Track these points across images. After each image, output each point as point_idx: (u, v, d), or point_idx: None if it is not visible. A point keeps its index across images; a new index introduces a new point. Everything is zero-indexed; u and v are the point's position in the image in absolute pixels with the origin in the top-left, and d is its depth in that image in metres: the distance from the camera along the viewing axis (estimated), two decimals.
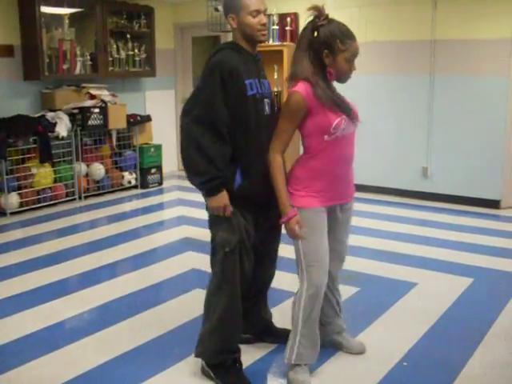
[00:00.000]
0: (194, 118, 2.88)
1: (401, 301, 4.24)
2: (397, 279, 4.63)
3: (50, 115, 6.97)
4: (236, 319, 3.13)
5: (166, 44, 8.99)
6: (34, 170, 6.81)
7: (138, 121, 8.05)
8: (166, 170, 8.68)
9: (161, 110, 8.92)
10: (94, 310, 4.16)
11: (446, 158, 7.07)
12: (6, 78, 7.00)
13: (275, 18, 7.65)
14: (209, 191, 2.94)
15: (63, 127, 6.96)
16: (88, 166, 7.48)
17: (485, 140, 6.79)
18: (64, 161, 7.23)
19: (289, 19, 7.71)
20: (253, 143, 2.99)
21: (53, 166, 7.04)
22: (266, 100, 3.05)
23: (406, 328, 3.80)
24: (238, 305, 3.10)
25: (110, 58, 7.81)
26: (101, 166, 7.57)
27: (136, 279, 4.75)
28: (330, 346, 3.46)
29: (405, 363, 3.35)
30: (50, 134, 6.82)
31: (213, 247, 3.11)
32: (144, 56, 8.29)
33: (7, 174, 6.58)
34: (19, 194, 6.72)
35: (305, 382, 3.08)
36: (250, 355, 3.39)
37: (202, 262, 4.90)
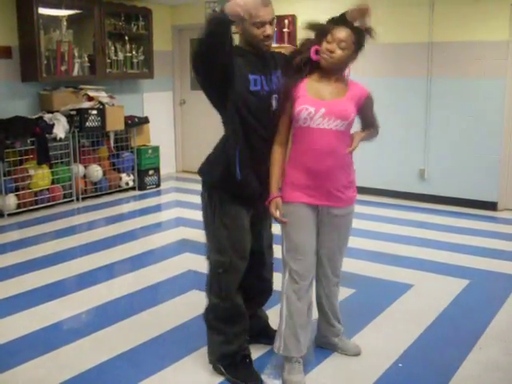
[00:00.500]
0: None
1: (397, 302, 4.25)
2: (393, 281, 4.64)
3: (47, 117, 6.97)
4: (241, 323, 3.20)
5: (163, 46, 8.99)
6: (31, 172, 6.81)
7: (136, 122, 8.05)
8: (163, 171, 8.67)
9: (159, 111, 8.93)
10: (90, 311, 4.16)
11: (444, 160, 7.09)
12: (3, 79, 7.00)
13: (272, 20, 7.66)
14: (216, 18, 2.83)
15: (61, 129, 6.96)
16: (86, 167, 7.48)
17: (482, 142, 6.80)
18: (62, 162, 7.24)
19: (286, 21, 7.73)
20: (253, 137, 3.00)
21: (50, 168, 7.04)
22: (274, 96, 3.05)
23: (401, 329, 3.81)
24: (239, 311, 3.18)
25: (108, 60, 7.80)
26: (98, 168, 7.57)
27: (133, 280, 4.75)
28: (325, 347, 3.47)
29: (400, 364, 3.36)
30: (47, 135, 6.82)
31: (208, 264, 3.22)
32: (142, 58, 8.29)
33: (5, 176, 6.58)
34: (17, 195, 6.72)
35: (299, 382, 3.09)
36: None
37: (198, 263, 4.90)
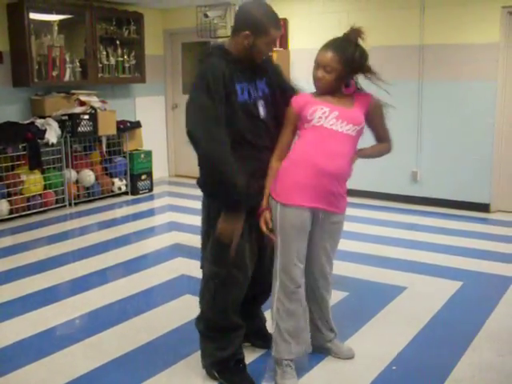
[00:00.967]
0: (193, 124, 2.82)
1: (390, 305, 4.25)
2: (386, 283, 4.64)
3: (39, 122, 6.96)
4: (236, 332, 3.17)
5: (155, 50, 8.99)
6: (23, 177, 6.79)
7: (128, 127, 8.04)
8: (156, 176, 8.66)
9: (151, 116, 8.92)
10: (83, 317, 4.15)
11: (436, 162, 7.11)
12: None
13: None
14: (233, 206, 2.85)
15: (53, 134, 6.94)
16: (78, 172, 7.46)
17: (474, 144, 6.82)
18: (54, 167, 7.22)
19: (277, 15, 7.72)
20: (245, 147, 2.95)
21: (42, 173, 7.02)
22: (260, 102, 3.00)
23: (395, 332, 3.81)
24: (235, 325, 3.15)
25: (100, 65, 7.80)
26: (91, 173, 7.56)
27: (126, 285, 4.74)
28: (318, 351, 3.46)
29: (394, 367, 3.36)
30: (39, 140, 6.80)
31: (203, 275, 3.16)
32: (134, 62, 8.28)
33: None
34: (9, 201, 6.69)
35: None
36: None
37: (192, 267, 4.91)
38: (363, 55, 3.05)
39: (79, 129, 7.23)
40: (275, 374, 3.17)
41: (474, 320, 3.98)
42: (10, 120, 6.85)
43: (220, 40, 7.83)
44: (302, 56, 7.83)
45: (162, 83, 9.23)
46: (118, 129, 7.81)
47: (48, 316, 4.13)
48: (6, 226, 6.53)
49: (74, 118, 7.17)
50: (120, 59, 8.11)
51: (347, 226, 3.38)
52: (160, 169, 9.05)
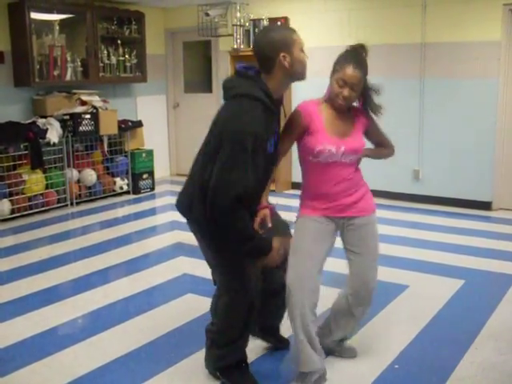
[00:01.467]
0: (234, 199, 2.68)
1: (392, 303, 4.25)
2: (388, 282, 4.62)
3: (41, 121, 6.96)
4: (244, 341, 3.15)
5: (156, 49, 8.99)
6: (25, 177, 6.79)
7: (130, 126, 8.04)
8: (157, 175, 8.67)
9: (152, 115, 8.92)
10: (85, 316, 4.15)
11: (438, 161, 7.10)
12: None
13: (265, 23, 7.68)
14: (264, 247, 2.87)
15: (54, 133, 6.95)
16: (79, 171, 7.46)
17: (476, 142, 6.82)
18: (55, 167, 7.22)
19: (279, 23, 7.71)
20: (256, 186, 2.89)
21: (44, 173, 7.03)
22: (272, 140, 2.91)
23: (397, 331, 3.81)
24: (247, 332, 3.14)
25: (101, 64, 7.79)
26: (92, 172, 7.56)
27: (128, 285, 4.74)
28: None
29: (396, 366, 3.36)
30: (41, 140, 6.81)
31: (216, 289, 3.14)
32: (135, 61, 8.28)
33: None
34: (11, 200, 6.70)
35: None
36: None
37: (194, 266, 4.92)
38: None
39: (81, 128, 7.23)
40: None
41: (477, 318, 3.97)
42: (11, 120, 6.85)
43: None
44: None
45: (163, 82, 9.22)
46: (120, 128, 7.81)
47: (50, 316, 4.13)
48: (8, 225, 6.54)
49: (76, 118, 7.17)
50: (121, 58, 8.11)
51: None
52: (161, 168, 9.05)
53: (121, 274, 5.03)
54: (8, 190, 6.69)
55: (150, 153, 8.37)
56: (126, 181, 8.07)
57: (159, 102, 9.21)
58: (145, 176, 8.27)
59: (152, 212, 7.45)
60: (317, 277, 3.04)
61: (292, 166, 7.91)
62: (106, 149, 7.79)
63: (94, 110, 7.42)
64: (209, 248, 3.04)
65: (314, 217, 3.06)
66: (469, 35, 6.70)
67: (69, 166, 7.26)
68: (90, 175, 7.53)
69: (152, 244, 5.90)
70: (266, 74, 2.83)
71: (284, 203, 6.06)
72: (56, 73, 7.25)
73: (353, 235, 3.14)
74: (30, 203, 6.90)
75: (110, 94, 8.12)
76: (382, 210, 6.91)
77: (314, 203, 3.08)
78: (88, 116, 7.31)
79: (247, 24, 7.95)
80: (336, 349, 3.44)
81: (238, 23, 7.92)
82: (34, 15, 6.97)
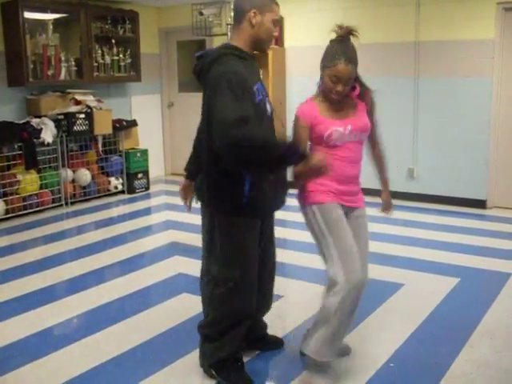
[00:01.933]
0: (234, 124, 2.64)
1: (387, 302, 4.25)
2: (383, 280, 4.64)
3: (35, 121, 6.94)
4: (238, 332, 3.13)
5: (151, 48, 8.98)
6: (19, 177, 6.77)
7: (124, 126, 8.03)
8: (152, 174, 8.66)
9: (147, 114, 8.90)
10: (80, 316, 4.14)
11: (432, 159, 7.12)
12: None
13: None
14: (296, 156, 2.79)
15: (49, 133, 6.93)
16: (74, 171, 7.45)
17: (470, 140, 6.83)
18: (50, 167, 7.21)
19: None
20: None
21: (38, 173, 7.01)
22: (267, 98, 3.02)
23: (392, 329, 3.81)
24: (245, 325, 3.13)
25: (95, 64, 7.78)
26: (87, 172, 7.55)
27: (123, 285, 4.73)
28: None
29: (391, 364, 3.36)
30: (35, 140, 6.79)
31: (208, 281, 3.10)
32: (129, 61, 8.26)
33: None
34: (5, 200, 6.68)
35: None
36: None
37: (189, 266, 4.92)
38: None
39: (75, 128, 7.21)
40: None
41: (472, 316, 3.98)
42: (5, 120, 6.82)
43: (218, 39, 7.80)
44: (297, 53, 7.84)
45: (157, 82, 9.21)
46: (114, 128, 7.79)
47: (45, 316, 4.12)
48: (2, 225, 6.52)
49: (70, 117, 7.15)
50: (115, 58, 8.10)
51: None
52: (156, 167, 9.04)
53: (116, 274, 5.02)
54: (2, 190, 6.68)
55: (144, 152, 8.36)
56: (120, 180, 8.06)
57: (154, 102, 9.19)
58: (139, 175, 8.26)
59: (147, 211, 7.44)
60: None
61: None
62: (100, 148, 7.77)
63: (89, 110, 7.40)
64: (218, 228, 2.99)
65: (335, 204, 3.08)
66: (463, 34, 6.71)
67: (63, 165, 7.24)
68: (85, 175, 7.52)
69: (147, 244, 5.89)
70: (236, 24, 2.96)
71: None
72: (50, 72, 7.23)
73: (350, 224, 3.14)
74: (25, 203, 6.88)
75: (104, 94, 8.10)
76: (376, 209, 6.91)
77: (331, 187, 3.07)
78: (82, 116, 7.29)
79: None
80: None
81: (232, 22, 7.90)
82: (28, 14, 6.94)
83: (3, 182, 6.66)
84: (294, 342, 3.59)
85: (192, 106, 8.90)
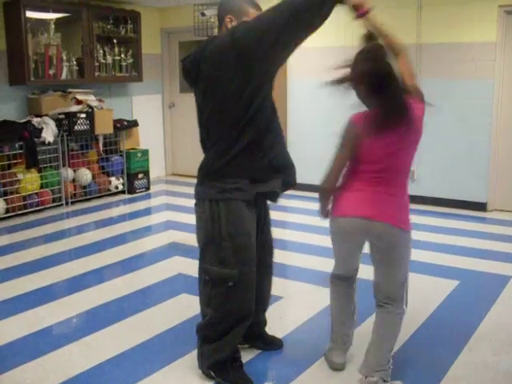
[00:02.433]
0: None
1: None
2: None
3: (36, 120, 6.94)
4: (237, 333, 3.13)
5: (152, 49, 8.98)
6: (20, 176, 6.78)
7: (125, 126, 8.04)
8: (153, 174, 8.66)
9: (148, 114, 8.91)
10: (80, 316, 4.14)
11: (433, 161, 7.11)
12: None
13: None
14: None
15: (49, 132, 6.93)
16: (75, 171, 7.45)
17: (471, 143, 6.83)
18: (50, 166, 7.21)
19: None
20: (271, 125, 3.06)
21: (39, 172, 7.02)
22: None
23: None
24: (244, 326, 3.12)
25: (97, 63, 7.78)
26: (87, 172, 7.55)
27: (123, 284, 4.73)
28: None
29: (391, 366, 3.35)
30: (36, 139, 6.79)
31: (206, 282, 3.08)
32: (131, 61, 8.27)
33: None
34: (5, 199, 6.68)
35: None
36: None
37: (189, 266, 4.91)
38: None
39: (76, 127, 7.21)
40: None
41: (471, 319, 3.98)
42: (6, 119, 6.84)
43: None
44: (298, 56, 7.83)
45: (159, 82, 9.22)
46: (115, 127, 7.79)
47: (44, 315, 4.12)
48: (3, 224, 6.52)
49: (71, 117, 7.15)
50: (117, 58, 8.10)
51: None
52: (157, 168, 9.04)
53: (115, 274, 5.02)
54: (3, 189, 6.68)
55: (145, 152, 8.36)
56: (121, 180, 8.06)
57: (155, 102, 9.19)
58: (140, 176, 8.26)
59: (147, 212, 7.44)
60: None
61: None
62: (101, 148, 7.77)
63: (90, 110, 7.40)
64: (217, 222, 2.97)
65: None
66: (464, 36, 6.71)
67: (64, 165, 7.24)
68: (85, 175, 7.52)
69: (147, 244, 5.89)
70: (218, 28, 3.08)
71: (283, 204, 6.03)
72: (51, 72, 7.23)
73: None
74: (25, 202, 6.88)
75: (105, 94, 8.11)
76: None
77: None
78: (83, 115, 7.29)
79: None
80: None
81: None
82: (30, 14, 6.95)
83: (4, 180, 6.66)
84: (293, 342, 3.59)
85: (193, 106, 8.84)
